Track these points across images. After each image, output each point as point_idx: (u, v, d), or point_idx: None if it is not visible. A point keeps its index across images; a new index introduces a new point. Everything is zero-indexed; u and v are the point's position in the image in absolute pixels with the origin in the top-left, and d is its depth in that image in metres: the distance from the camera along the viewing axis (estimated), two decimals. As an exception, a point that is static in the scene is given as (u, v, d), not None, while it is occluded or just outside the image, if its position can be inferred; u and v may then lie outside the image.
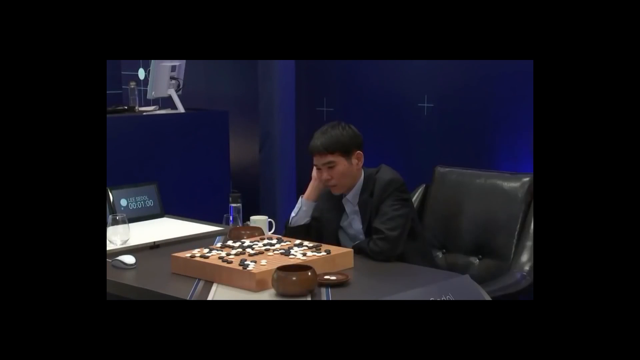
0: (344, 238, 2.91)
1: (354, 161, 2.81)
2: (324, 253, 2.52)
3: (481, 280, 2.81)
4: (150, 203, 3.35)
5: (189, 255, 2.52)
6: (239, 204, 3.01)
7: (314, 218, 2.93)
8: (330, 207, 2.92)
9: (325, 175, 2.81)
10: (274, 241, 2.68)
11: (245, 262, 2.38)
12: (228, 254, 2.49)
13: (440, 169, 3.36)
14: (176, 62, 4.39)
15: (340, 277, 2.38)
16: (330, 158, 2.78)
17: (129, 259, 2.60)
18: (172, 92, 4.37)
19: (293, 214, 2.95)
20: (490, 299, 2.44)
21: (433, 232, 3.25)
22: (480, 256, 3.14)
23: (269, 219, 3.06)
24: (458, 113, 4.02)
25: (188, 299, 2.25)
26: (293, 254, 2.49)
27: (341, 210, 2.90)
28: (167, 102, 4.53)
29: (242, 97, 4.99)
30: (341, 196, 2.88)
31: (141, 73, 5.50)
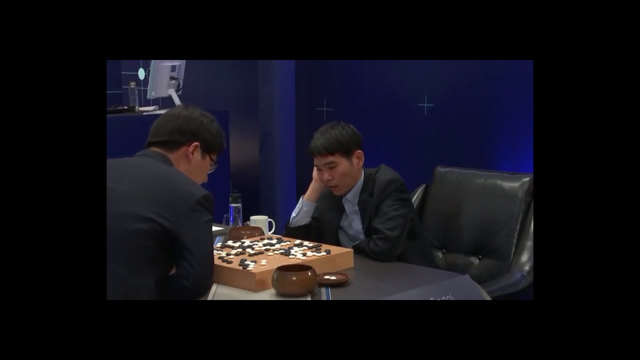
0: (344, 238, 2.91)
1: (355, 161, 2.81)
2: (324, 253, 2.52)
3: (481, 280, 2.81)
4: (150, 203, 3.33)
5: (189, 255, 2.51)
6: (239, 204, 3.01)
7: (314, 218, 2.93)
8: (330, 207, 2.92)
9: (326, 175, 2.81)
10: (274, 241, 2.68)
11: (245, 262, 2.38)
12: (228, 254, 2.49)
13: (440, 169, 3.36)
14: (176, 62, 4.39)
15: (340, 277, 2.38)
16: (330, 159, 2.78)
17: (129, 259, 2.59)
18: (172, 92, 4.37)
19: (294, 214, 2.94)
20: (490, 299, 2.44)
21: (433, 232, 3.25)
22: (480, 256, 3.14)
23: (269, 219, 3.06)
24: (458, 113, 4.02)
25: (188, 299, 2.25)
26: (293, 254, 2.49)
27: (341, 210, 2.90)
28: (167, 102, 4.52)
29: (242, 97, 4.99)
30: (341, 196, 2.88)
31: (141, 73, 5.50)
